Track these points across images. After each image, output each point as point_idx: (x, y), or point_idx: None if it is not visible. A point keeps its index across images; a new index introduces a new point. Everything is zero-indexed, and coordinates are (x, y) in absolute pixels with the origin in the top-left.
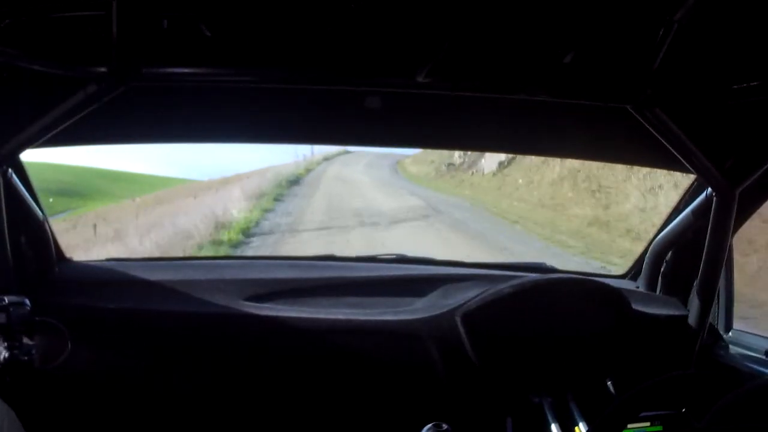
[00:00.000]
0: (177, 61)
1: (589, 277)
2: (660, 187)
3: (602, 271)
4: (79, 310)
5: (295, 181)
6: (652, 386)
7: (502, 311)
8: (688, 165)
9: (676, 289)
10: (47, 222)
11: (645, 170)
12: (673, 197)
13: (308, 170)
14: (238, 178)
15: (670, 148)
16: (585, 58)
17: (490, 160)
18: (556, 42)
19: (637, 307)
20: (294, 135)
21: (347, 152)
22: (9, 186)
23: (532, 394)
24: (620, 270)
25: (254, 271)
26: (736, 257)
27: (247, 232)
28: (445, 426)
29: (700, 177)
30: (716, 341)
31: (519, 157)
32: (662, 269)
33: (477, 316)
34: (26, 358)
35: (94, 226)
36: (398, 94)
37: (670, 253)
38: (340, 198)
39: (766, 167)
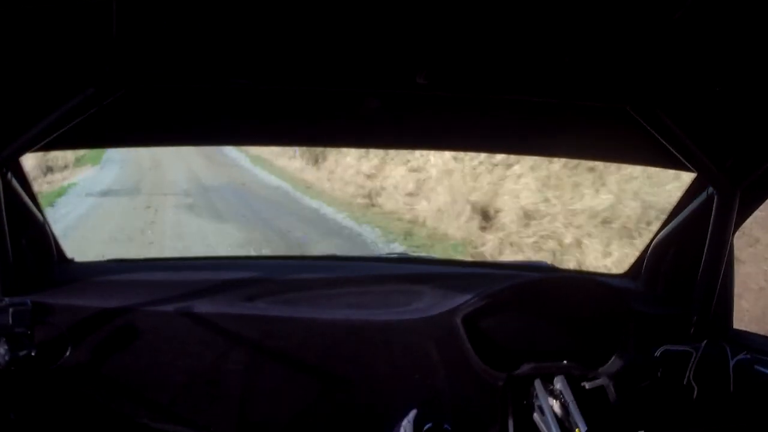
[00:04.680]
0: (176, 63)
1: (590, 277)
2: None
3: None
4: (80, 311)
5: None
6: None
7: (502, 311)
8: (688, 164)
9: (677, 289)
10: (48, 224)
11: None
12: None
13: None
14: None
15: (670, 147)
16: (584, 58)
17: None
18: (555, 43)
19: (637, 306)
20: (293, 137)
21: None
22: (9, 189)
23: (532, 394)
24: (621, 269)
25: (254, 271)
26: None
27: None
28: (445, 426)
29: (700, 176)
30: (716, 340)
31: None
32: (663, 268)
33: (477, 316)
34: (27, 358)
35: None
36: (398, 95)
37: (670, 252)
38: None
39: (766, 166)
